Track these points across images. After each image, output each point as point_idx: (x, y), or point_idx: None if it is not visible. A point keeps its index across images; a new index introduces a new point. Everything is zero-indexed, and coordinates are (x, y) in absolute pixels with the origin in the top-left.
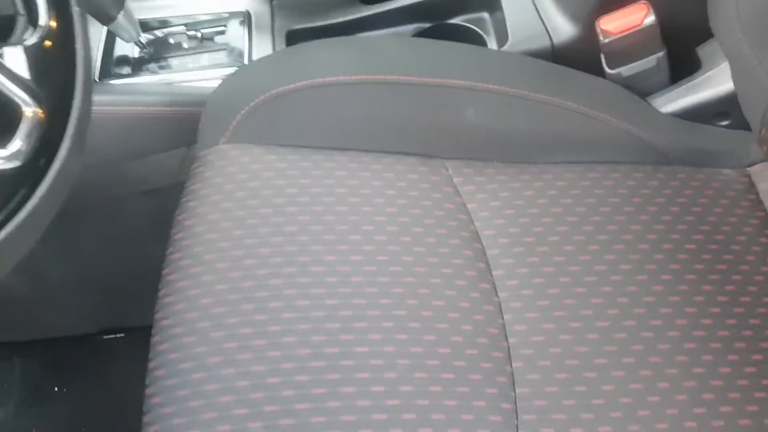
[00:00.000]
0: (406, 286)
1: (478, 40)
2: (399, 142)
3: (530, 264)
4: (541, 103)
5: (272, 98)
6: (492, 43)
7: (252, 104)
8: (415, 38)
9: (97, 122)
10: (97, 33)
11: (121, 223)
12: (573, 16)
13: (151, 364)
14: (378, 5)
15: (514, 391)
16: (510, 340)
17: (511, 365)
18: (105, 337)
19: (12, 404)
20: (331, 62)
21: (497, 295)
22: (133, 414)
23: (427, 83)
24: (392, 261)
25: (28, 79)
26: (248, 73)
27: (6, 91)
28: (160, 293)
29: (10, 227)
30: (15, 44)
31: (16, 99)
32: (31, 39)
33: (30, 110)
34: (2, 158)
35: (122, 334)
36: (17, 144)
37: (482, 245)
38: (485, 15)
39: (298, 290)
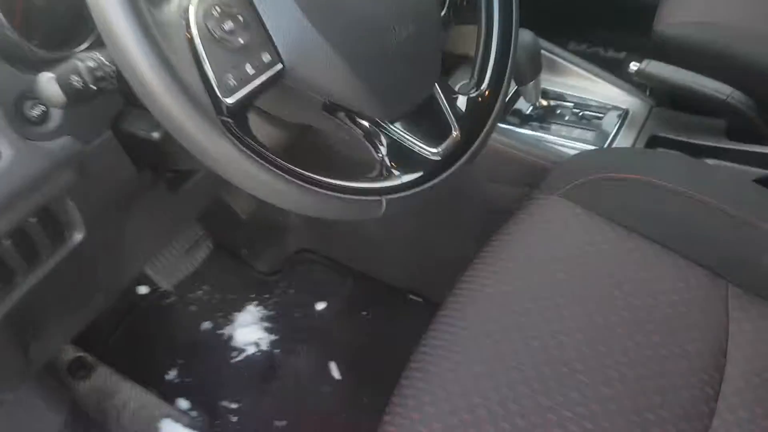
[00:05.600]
0: (635, 383)
1: None
2: (693, 252)
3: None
4: None
5: (608, 178)
6: None
7: (591, 177)
8: (751, 181)
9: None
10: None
11: (466, 228)
12: None
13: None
14: (740, 144)
15: None
16: None
17: None
18: (411, 296)
19: (335, 308)
20: (668, 170)
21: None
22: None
23: (739, 216)
24: (634, 349)
25: (460, 114)
26: (600, 154)
27: (447, 117)
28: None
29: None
30: (464, 94)
31: (451, 122)
32: (473, 93)
33: (455, 133)
34: (433, 152)
35: (422, 300)
36: (440, 149)
37: (721, 375)
38: None
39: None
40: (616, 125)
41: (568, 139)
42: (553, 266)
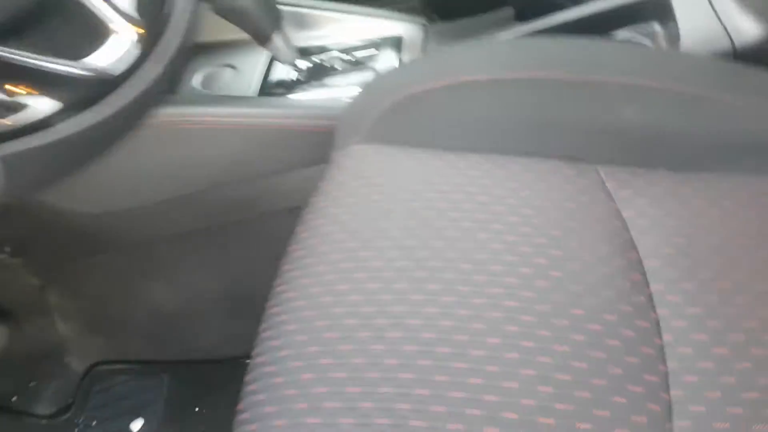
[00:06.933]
0: (538, 291)
1: None
2: (542, 144)
3: (700, 280)
4: (718, 103)
5: (407, 99)
6: None
7: (386, 106)
8: (569, 38)
9: (247, 134)
10: (260, 58)
11: (271, 241)
12: (761, 14)
13: (255, 351)
14: (535, 22)
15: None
16: (669, 364)
17: (669, 395)
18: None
19: (156, 421)
20: (472, 61)
21: (655, 311)
22: None
23: (576, 81)
24: (523, 262)
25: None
26: (385, 78)
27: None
28: (277, 281)
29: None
30: None
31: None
32: None
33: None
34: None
35: None
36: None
37: (638, 254)
38: (656, 26)
39: (412, 284)
40: (393, 56)
41: (349, 86)
42: (380, 229)
